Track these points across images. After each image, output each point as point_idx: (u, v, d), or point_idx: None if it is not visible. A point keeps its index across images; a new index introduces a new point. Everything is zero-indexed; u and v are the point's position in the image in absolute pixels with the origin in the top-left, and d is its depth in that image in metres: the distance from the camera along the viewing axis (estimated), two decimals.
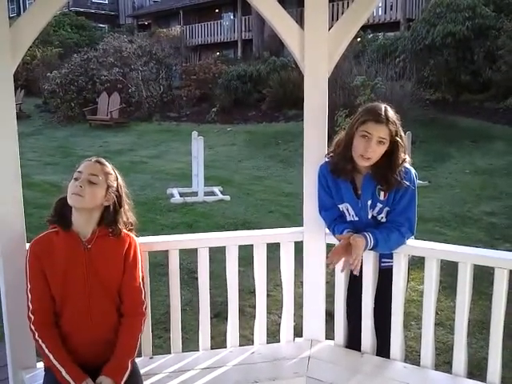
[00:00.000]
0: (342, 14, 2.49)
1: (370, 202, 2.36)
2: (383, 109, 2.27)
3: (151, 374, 2.28)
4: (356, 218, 2.42)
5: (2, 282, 2.24)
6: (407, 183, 2.30)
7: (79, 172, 2.05)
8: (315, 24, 2.40)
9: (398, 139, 2.27)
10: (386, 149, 2.27)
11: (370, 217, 2.39)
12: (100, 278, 2.04)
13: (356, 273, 2.27)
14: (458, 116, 12.74)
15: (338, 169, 2.36)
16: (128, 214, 2.16)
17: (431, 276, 2.30)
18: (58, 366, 1.92)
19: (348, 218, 2.44)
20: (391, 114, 2.28)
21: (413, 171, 2.34)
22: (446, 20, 13.04)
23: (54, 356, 1.94)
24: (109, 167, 2.12)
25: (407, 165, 2.34)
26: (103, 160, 2.14)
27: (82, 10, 31.68)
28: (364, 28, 15.18)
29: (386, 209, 2.36)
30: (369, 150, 2.24)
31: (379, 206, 2.35)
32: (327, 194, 2.45)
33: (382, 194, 2.33)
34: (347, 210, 2.43)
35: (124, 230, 2.14)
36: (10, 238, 2.22)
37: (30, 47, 2.25)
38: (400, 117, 2.32)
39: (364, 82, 12.04)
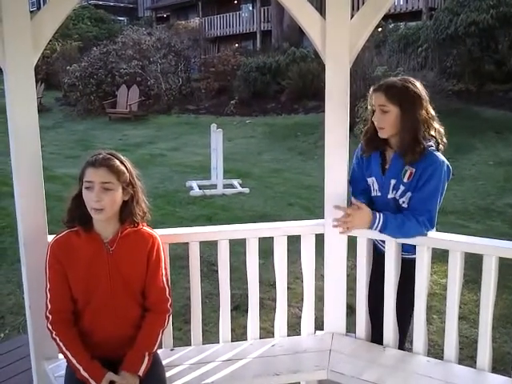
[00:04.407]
0: (364, 3, 2.44)
1: (393, 182, 2.36)
2: (389, 80, 2.38)
3: (172, 366, 2.28)
4: (378, 194, 2.44)
5: (25, 273, 2.27)
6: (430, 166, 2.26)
7: (89, 182, 1.94)
8: (337, 13, 2.36)
9: (407, 105, 2.27)
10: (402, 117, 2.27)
11: (390, 196, 2.39)
12: (123, 278, 2.03)
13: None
14: (481, 107, 12.54)
15: (368, 144, 2.44)
16: (142, 203, 2.09)
17: (455, 269, 2.25)
18: (77, 364, 1.93)
19: (372, 194, 2.48)
20: (396, 83, 2.32)
21: (445, 164, 2.29)
22: (470, 9, 12.80)
23: (71, 354, 1.95)
24: (116, 163, 1.99)
25: (440, 155, 2.30)
26: (108, 157, 1.99)
27: (100, 2, 31.91)
28: (385, 18, 14.95)
29: (409, 194, 2.33)
30: (376, 120, 2.33)
31: (402, 188, 2.35)
32: (360, 167, 2.51)
33: (406, 175, 2.32)
34: (373, 184, 2.46)
35: (147, 229, 2.12)
36: (32, 230, 2.23)
37: (50, 41, 2.26)
38: None
39: (385, 73, 11.90)
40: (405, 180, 2.33)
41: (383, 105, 2.30)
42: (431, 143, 2.32)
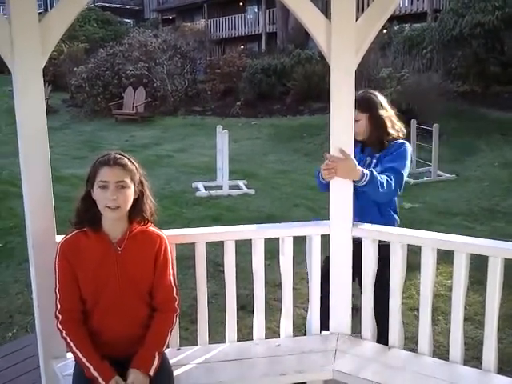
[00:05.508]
0: (369, 5, 2.45)
1: (369, 159, 2.79)
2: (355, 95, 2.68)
3: (179, 365, 2.30)
4: None
5: (34, 273, 2.29)
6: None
7: (105, 181, 1.97)
8: (342, 15, 2.37)
9: (372, 111, 2.78)
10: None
11: (365, 172, 2.59)
12: (131, 279, 2.05)
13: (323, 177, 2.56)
14: (486, 108, 12.50)
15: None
16: (150, 201, 2.12)
17: (460, 270, 2.26)
18: (87, 363, 1.94)
19: None
20: (360, 96, 2.74)
21: (409, 146, 2.80)
22: (475, 10, 12.78)
23: (81, 353, 1.96)
24: (128, 162, 2.04)
25: (404, 141, 2.81)
26: (120, 157, 2.03)
27: (107, 4, 32.00)
28: (390, 19, 14.92)
29: (378, 168, 2.69)
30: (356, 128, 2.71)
31: (374, 162, 2.78)
32: None
33: (377, 154, 2.79)
34: None
35: (154, 229, 2.14)
36: (41, 231, 2.26)
37: (57, 43, 2.28)
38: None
39: (390, 74, 11.91)
40: (377, 155, 2.78)
41: (355, 116, 2.59)
42: (397, 134, 2.81)
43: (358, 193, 2.59)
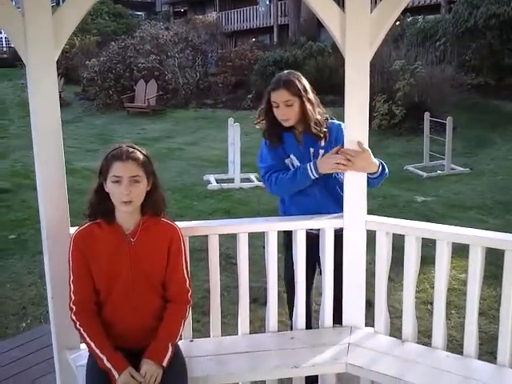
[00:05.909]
0: None
1: (312, 150, 2.61)
2: (280, 76, 2.60)
3: (192, 357, 2.31)
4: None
5: (47, 265, 2.30)
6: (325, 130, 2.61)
7: (118, 176, 1.96)
8: (357, 6, 2.34)
9: (303, 95, 2.54)
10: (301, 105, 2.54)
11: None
12: (144, 270, 2.06)
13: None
14: (501, 101, 12.36)
15: (273, 137, 2.64)
16: (162, 192, 2.13)
17: (476, 264, 2.24)
18: (100, 354, 1.95)
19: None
20: (290, 77, 2.56)
21: (341, 124, 2.58)
22: (490, 1, 12.60)
23: (95, 344, 1.97)
24: (140, 156, 2.02)
25: (333, 120, 2.67)
26: (132, 151, 2.02)
27: None
28: (403, 11, 14.75)
29: None
30: (281, 114, 2.57)
31: (321, 152, 2.59)
32: (277, 156, 2.65)
33: (322, 141, 2.61)
34: (292, 162, 2.65)
35: (167, 220, 2.14)
36: (55, 223, 2.26)
37: (69, 36, 2.28)
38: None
39: (403, 67, 11.80)
40: (321, 144, 2.60)
41: (287, 100, 2.53)
42: (327, 114, 2.66)
43: (312, 188, 2.60)
